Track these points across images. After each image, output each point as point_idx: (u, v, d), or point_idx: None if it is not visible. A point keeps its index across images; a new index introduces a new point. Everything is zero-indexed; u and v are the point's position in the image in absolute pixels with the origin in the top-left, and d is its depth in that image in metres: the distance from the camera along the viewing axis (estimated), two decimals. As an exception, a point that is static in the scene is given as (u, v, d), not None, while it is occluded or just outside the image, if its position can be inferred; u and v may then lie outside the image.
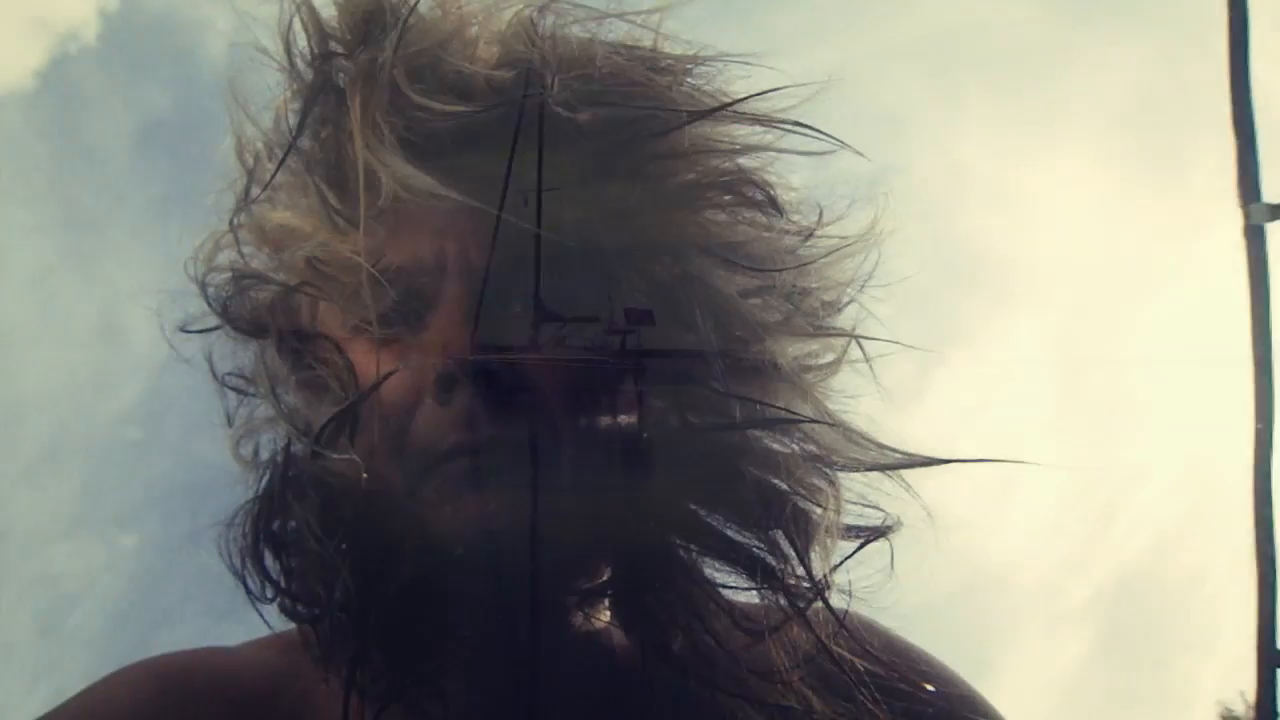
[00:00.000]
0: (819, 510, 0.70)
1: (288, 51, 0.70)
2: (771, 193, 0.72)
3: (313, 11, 0.70)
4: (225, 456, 0.71)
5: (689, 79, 0.71)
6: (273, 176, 0.70)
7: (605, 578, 0.73)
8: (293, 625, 0.68)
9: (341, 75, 0.68)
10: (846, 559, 0.71)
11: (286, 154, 0.68)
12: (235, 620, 0.66)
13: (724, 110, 0.69)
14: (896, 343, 0.74)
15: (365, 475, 0.64)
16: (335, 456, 0.64)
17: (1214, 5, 2.11)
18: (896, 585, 0.72)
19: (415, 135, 0.65)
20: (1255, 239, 2.14)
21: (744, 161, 0.72)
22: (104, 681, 0.68)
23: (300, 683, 0.67)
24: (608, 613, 0.74)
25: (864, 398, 0.74)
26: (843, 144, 0.72)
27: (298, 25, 0.70)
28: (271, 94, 0.73)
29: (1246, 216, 2.10)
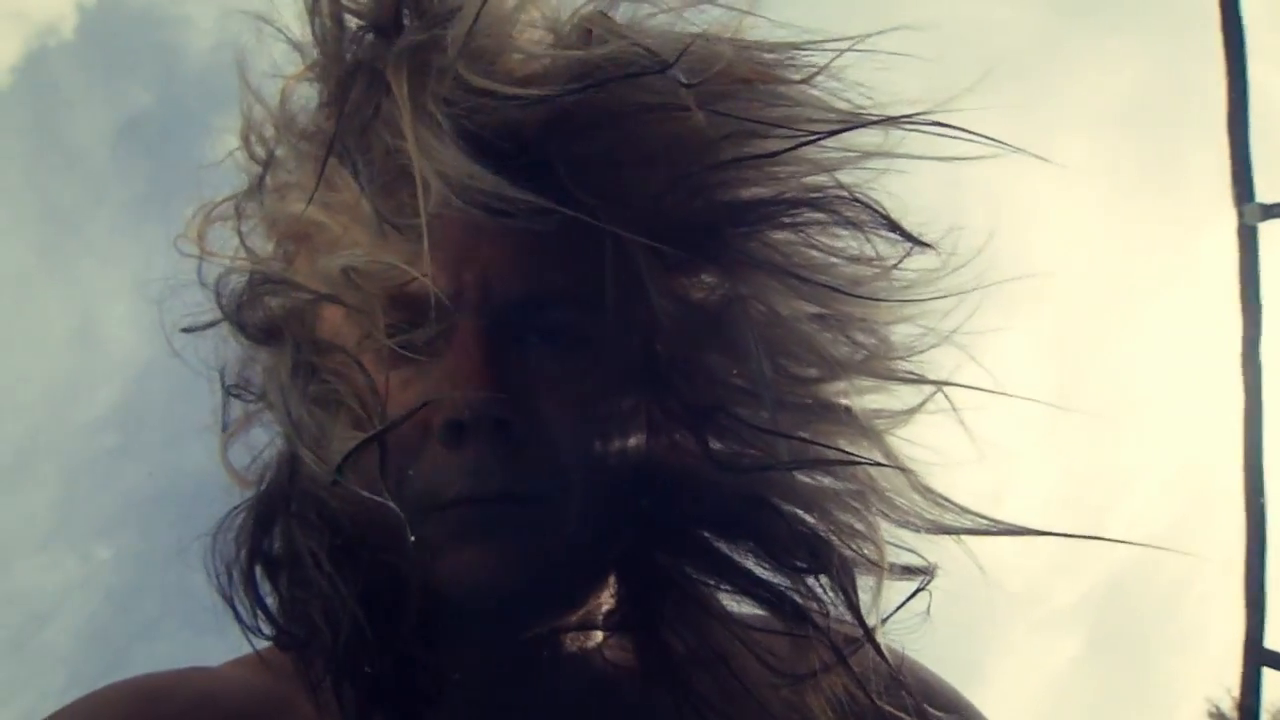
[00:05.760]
0: (864, 557, 0.63)
1: (314, 27, 0.61)
2: (884, 212, 0.61)
3: None
4: (205, 464, 0.66)
5: (815, 78, 0.60)
6: (322, 172, 0.60)
7: (611, 618, 0.66)
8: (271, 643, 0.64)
9: (384, 57, 0.59)
10: (896, 610, 0.63)
11: (329, 150, 0.59)
12: (214, 636, 0.63)
13: (878, 124, 0.58)
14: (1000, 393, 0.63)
15: (412, 537, 0.57)
16: (365, 494, 0.57)
17: (1210, 8, 2.11)
18: (887, 589, 0.68)
19: (477, 128, 0.57)
20: (1248, 239, 2.15)
21: (844, 176, 0.61)
22: (80, 701, 0.63)
23: (282, 703, 0.63)
24: (628, 656, 0.68)
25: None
26: (1010, 146, 0.59)
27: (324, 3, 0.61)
28: (274, 75, 0.64)
29: (1240, 217, 2.11)
